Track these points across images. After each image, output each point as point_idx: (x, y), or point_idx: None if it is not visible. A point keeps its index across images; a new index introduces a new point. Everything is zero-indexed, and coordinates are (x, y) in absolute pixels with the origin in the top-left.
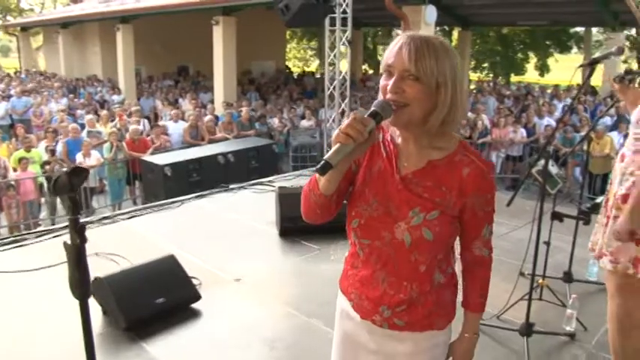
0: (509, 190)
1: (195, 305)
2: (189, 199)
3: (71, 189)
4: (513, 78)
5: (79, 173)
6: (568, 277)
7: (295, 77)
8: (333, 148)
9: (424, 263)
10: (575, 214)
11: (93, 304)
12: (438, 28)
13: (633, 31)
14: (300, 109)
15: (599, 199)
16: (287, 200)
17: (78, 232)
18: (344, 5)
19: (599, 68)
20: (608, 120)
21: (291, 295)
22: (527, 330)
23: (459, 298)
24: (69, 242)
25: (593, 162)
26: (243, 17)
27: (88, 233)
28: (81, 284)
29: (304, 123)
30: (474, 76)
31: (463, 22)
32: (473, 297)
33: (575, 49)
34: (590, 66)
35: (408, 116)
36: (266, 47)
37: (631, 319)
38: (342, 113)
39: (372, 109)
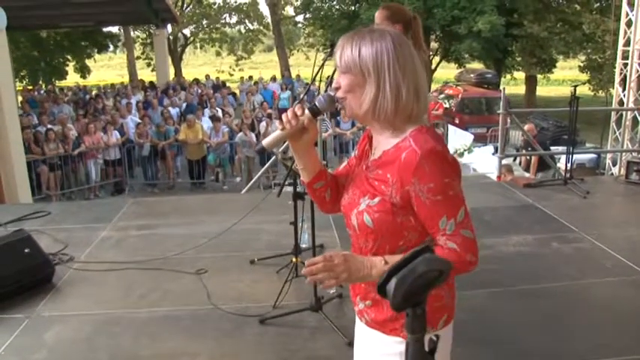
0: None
1: None
2: None
3: None
4: (58, 83)
5: None
6: (297, 250)
7: None
8: (273, 134)
9: (370, 251)
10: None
11: None
12: None
13: None
14: None
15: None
16: None
17: None
18: None
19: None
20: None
21: None
22: (317, 305)
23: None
24: None
25: (189, 149)
26: None
27: None
28: None
29: None
30: (19, 85)
31: None
32: None
33: (111, 48)
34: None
35: (349, 108)
36: None
37: None
38: None
39: (313, 102)
